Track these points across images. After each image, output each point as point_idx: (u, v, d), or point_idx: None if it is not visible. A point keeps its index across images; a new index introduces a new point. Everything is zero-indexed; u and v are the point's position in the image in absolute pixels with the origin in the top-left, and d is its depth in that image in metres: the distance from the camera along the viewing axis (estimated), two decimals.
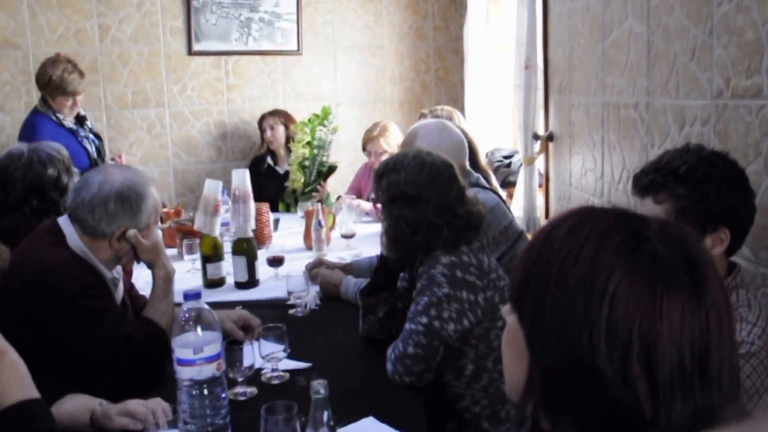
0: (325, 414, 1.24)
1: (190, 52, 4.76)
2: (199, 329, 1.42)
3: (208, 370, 1.39)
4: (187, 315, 1.42)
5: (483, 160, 4.08)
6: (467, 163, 2.55)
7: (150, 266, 1.97)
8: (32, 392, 1.31)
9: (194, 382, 1.38)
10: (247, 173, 2.91)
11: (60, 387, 1.61)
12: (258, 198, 4.30)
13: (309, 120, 4.27)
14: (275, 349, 1.81)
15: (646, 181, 1.46)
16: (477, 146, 2.96)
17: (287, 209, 4.32)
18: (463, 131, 2.85)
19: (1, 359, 1.31)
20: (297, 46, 4.96)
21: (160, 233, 2.02)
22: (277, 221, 3.87)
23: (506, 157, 3.93)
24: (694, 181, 1.40)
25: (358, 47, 5.12)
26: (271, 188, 4.43)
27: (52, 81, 3.62)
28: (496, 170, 3.93)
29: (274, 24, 4.88)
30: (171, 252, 3.29)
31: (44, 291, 1.73)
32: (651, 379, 0.70)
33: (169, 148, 4.82)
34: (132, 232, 1.87)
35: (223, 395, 1.44)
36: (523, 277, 0.80)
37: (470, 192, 2.13)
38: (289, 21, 4.90)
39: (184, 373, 1.39)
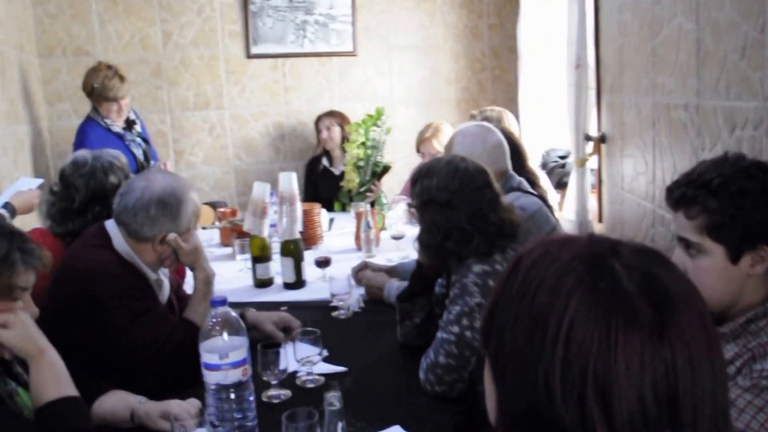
0: (339, 426, 1.26)
1: (248, 55, 4.85)
2: (225, 334, 1.45)
3: (234, 375, 1.42)
4: (214, 320, 1.46)
5: (535, 161, 4.04)
6: (509, 167, 2.52)
7: (191, 269, 2.03)
8: (69, 390, 1.39)
9: (221, 386, 1.42)
10: (294, 176, 2.96)
11: (103, 383, 1.68)
12: (314, 198, 4.38)
13: (363, 121, 4.29)
14: (310, 352, 1.84)
15: (678, 195, 1.37)
16: (524, 148, 2.92)
17: (343, 209, 4.36)
18: (508, 134, 2.83)
19: (41, 358, 1.39)
20: (352, 47, 5.00)
21: (199, 237, 2.08)
22: (331, 221, 3.92)
23: (562, 158, 3.86)
24: (728, 195, 1.30)
25: (413, 47, 5.12)
26: (328, 188, 4.49)
27: (95, 89, 3.75)
28: (551, 171, 3.87)
29: (329, 26, 4.93)
30: (226, 251, 3.39)
31: (88, 291, 1.81)
32: (611, 424, 0.65)
33: (230, 148, 4.93)
34: (172, 236, 1.94)
35: (251, 398, 1.47)
36: (489, 310, 0.76)
37: (508, 198, 2.11)
38: (344, 23, 4.94)
39: (210, 378, 1.43)
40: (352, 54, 5.02)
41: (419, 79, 5.18)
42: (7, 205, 2.61)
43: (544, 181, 3.11)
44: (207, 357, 1.44)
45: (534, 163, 3.76)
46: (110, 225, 1.96)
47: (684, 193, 1.36)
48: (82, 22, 4.49)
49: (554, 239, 0.77)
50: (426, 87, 5.20)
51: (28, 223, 3.11)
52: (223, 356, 1.42)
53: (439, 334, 1.80)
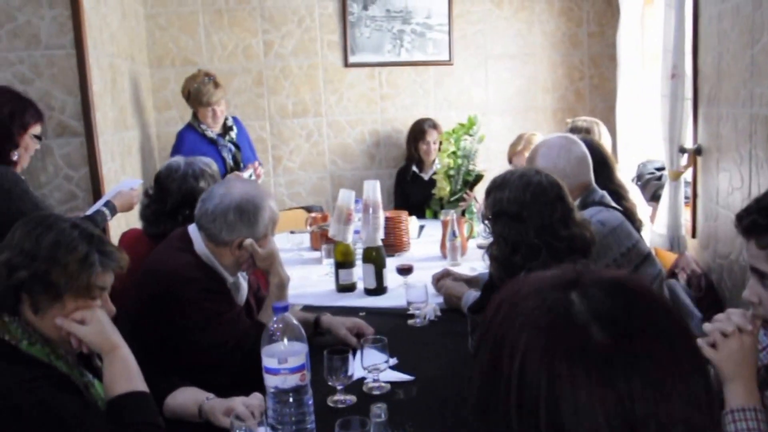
0: None
1: (346, 65, 4.96)
2: (285, 340, 1.50)
3: (292, 380, 1.47)
4: (275, 326, 1.51)
5: (630, 173, 3.91)
6: (592, 180, 2.46)
7: (266, 273, 2.10)
8: (139, 385, 1.47)
9: (279, 390, 1.47)
10: (377, 184, 3.01)
11: (177, 380, 1.77)
12: (405, 205, 4.43)
13: (454, 130, 4.29)
14: (378, 359, 1.86)
15: (748, 222, 1.29)
16: (613, 160, 2.84)
17: (434, 216, 4.38)
18: (596, 146, 2.76)
19: (114, 353, 1.48)
20: (448, 56, 5.01)
21: (275, 242, 2.15)
22: (421, 228, 3.95)
23: (658, 170, 3.72)
24: None
25: (510, 56, 5.08)
26: (418, 195, 4.53)
27: (191, 94, 3.94)
28: (646, 183, 3.73)
29: (426, 35, 4.97)
30: (315, 255, 3.48)
31: (168, 291, 1.92)
32: None
33: (326, 155, 5.06)
34: (248, 241, 2.02)
35: (309, 403, 1.51)
36: (478, 336, 0.76)
37: (587, 212, 2.07)
38: (441, 32, 4.96)
39: (270, 381, 1.49)
40: (448, 63, 5.03)
41: (515, 88, 5.12)
42: (108, 204, 2.80)
43: (635, 194, 3.01)
44: (267, 361, 1.49)
45: (627, 175, 3.65)
46: (192, 229, 2.07)
47: (755, 221, 1.28)
48: (190, 34, 4.74)
49: (527, 278, 0.76)
50: (522, 96, 5.14)
51: (133, 222, 3.32)
52: (281, 361, 1.47)
53: None
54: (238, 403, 1.62)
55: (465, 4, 4.98)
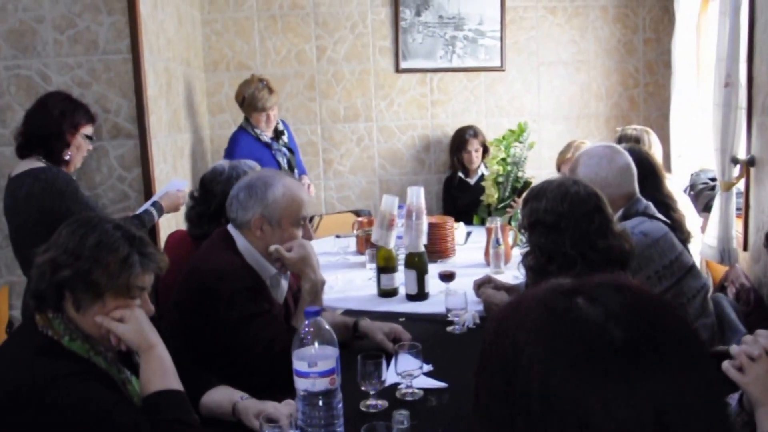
0: None
1: (398, 70, 4.99)
2: (316, 344, 1.52)
3: (322, 384, 1.48)
4: (306, 329, 1.53)
5: (682, 183, 3.81)
6: (636, 190, 2.41)
7: (298, 277, 2.13)
8: (173, 383, 1.51)
9: (309, 393, 1.49)
10: (421, 191, 3.01)
11: (213, 378, 1.82)
12: (452, 211, 4.42)
13: (503, 137, 4.26)
14: (412, 366, 1.86)
15: None
16: (661, 170, 2.78)
17: (482, 223, 4.35)
18: (644, 155, 2.70)
19: (150, 352, 1.53)
20: (500, 63, 4.99)
21: (309, 244, 2.15)
22: (468, 234, 3.93)
23: (712, 180, 3.62)
24: None
25: (563, 62, 5.02)
26: (466, 200, 4.52)
27: (246, 99, 4.01)
28: (699, 193, 3.64)
29: (478, 41, 4.95)
30: (360, 259, 3.50)
31: (209, 289, 1.96)
32: None
33: (376, 159, 5.09)
34: (273, 247, 2.04)
35: (339, 406, 1.52)
36: (474, 374, 0.75)
37: (630, 223, 2.03)
38: (493, 38, 4.94)
39: (299, 384, 1.51)
40: (499, 69, 5.01)
41: (568, 95, 5.06)
42: (155, 204, 2.88)
43: (684, 205, 2.94)
44: (297, 364, 1.51)
45: (679, 185, 3.57)
46: (231, 227, 2.11)
47: None
48: (245, 39, 4.84)
49: (522, 296, 0.75)
50: (574, 103, 5.07)
51: (182, 223, 3.40)
52: (311, 364, 1.48)
53: None
54: (270, 405, 1.65)
55: (518, 10, 4.95)
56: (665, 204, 2.59)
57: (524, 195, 1.97)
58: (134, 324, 1.52)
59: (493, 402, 0.69)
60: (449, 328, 2.45)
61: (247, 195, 2.08)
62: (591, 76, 5.03)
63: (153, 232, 3.29)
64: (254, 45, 4.85)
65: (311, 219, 4.37)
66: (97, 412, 1.40)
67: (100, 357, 1.53)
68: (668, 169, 4.17)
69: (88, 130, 2.75)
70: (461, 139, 4.67)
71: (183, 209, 2.82)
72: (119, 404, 1.46)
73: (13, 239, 2.70)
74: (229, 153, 3.92)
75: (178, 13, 4.14)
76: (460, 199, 4.61)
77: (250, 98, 4.00)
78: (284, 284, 2.19)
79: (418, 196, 2.97)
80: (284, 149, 4.18)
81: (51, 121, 2.62)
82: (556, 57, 5.02)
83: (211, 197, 2.52)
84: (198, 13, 4.70)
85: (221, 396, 1.75)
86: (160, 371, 1.52)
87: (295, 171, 4.19)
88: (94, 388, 1.44)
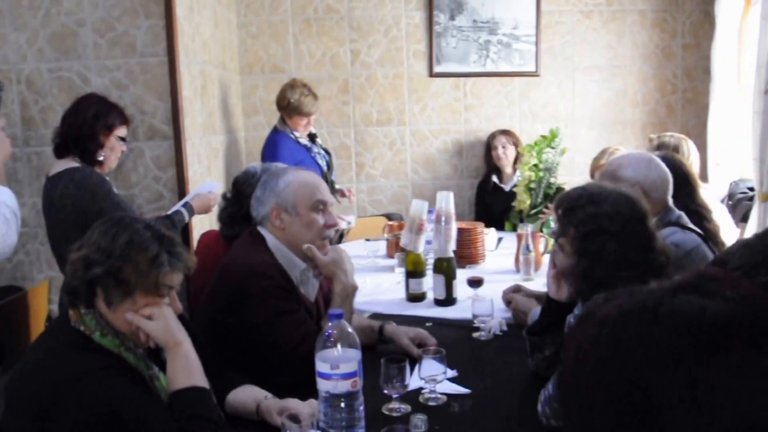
0: None
1: (431, 74, 4.99)
2: (339, 346, 1.53)
3: (343, 386, 1.49)
4: (329, 332, 1.54)
5: (720, 192, 3.74)
6: (669, 200, 2.37)
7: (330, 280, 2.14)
8: (199, 381, 1.54)
9: (331, 395, 1.50)
10: (451, 195, 3.00)
11: (239, 377, 1.84)
12: (485, 216, 4.41)
13: (536, 142, 4.24)
14: (435, 371, 1.86)
15: None
16: (696, 179, 2.73)
17: (514, 229, 4.32)
18: (678, 163, 2.66)
19: (177, 349, 1.56)
20: (535, 67, 4.96)
21: (344, 250, 2.16)
22: (500, 240, 3.91)
23: (750, 189, 3.55)
24: None
25: (598, 68, 4.97)
26: (499, 206, 4.50)
27: (291, 104, 4.05)
28: (737, 203, 3.57)
29: (512, 46, 4.93)
30: (390, 263, 3.51)
31: (240, 287, 1.99)
32: None
33: (408, 163, 5.09)
34: (305, 246, 2.06)
35: (360, 409, 1.53)
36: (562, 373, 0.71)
37: (662, 233, 1.99)
38: (528, 43, 4.91)
39: (322, 385, 1.52)
40: (534, 74, 4.98)
41: (603, 101, 5.01)
42: (186, 205, 2.93)
43: (720, 215, 2.88)
44: (320, 366, 1.52)
45: (717, 194, 3.50)
46: (261, 227, 2.14)
47: None
48: (280, 42, 4.89)
49: (604, 309, 0.69)
50: (610, 109, 5.02)
51: (215, 224, 3.45)
52: (334, 366, 1.49)
53: (560, 367, 1.74)
54: (292, 404, 1.67)
55: (553, 15, 4.92)
56: (699, 214, 2.54)
57: (562, 202, 1.88)
58: (162, 321, 1.56)
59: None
60: (475, 335, 2.44)
61: (262, 190, 2.13)
62: (627, 82, 4.97)
63: (185, 232, 3.35)
64: (289, 48, 4.90)
65: None
66: (124, 406, 1.44)
67: (129, 353, 1.57)
68: (705, 178, 4.10)
69: (121, 131, 2.80)
70: (490, 137, 4.69)
71: (215, 210, 2.86)
72: (146, 399, 1.49)
73: (50, 237, 2.77)
74: (271, 155, 3.95)
75: (215, 16, 4.20)
76: (494, 204, 4.59)
77: (297, 103, 4.06)
78: (315, 281, 2.20)
79: (447, 201, 2.96)
80: (323, 152, 4.22)
81: (85, 123, 2.68)
82: (591, 62, 4.97)
83: (243, 198, 2.55)
84: (234, 17, 4.76)
85: (246, 395, 1.77)
86: (186, 368, 1.55)
87: (333, 173, 4.21)
88: (123, 383, 1.47)
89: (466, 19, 4.90)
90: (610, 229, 1.74)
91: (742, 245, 0.73)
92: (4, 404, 1.52)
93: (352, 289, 2.11)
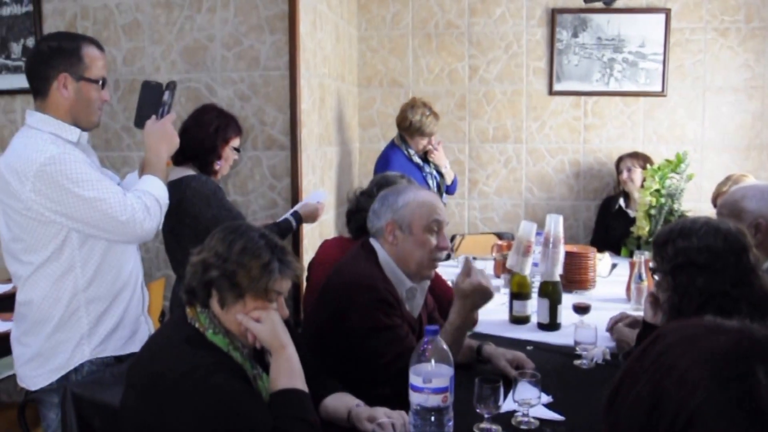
0: None
1: (551, 92, 4.90)
2: (433, 361, 1.56)
3: (434, 400, 1.52)
4: (425, 347, 1.57)
5: None
6: None
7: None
8: (299, 384, 1.63)
9: (422, 408, 1.53)
10: (560, 219, 2.94)
11: (336, 384, 1.90)
12: (603, 240, 4.26)
13: (659, 167, 4.05)
14: (530, 395, 1.83)
15: None
16: None
17: (630, 255, 4.16)
18: None
19: (281, 352, 1.65)
20: (661, 87, 4.76)
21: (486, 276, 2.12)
22: (614, 266, 3.78)
23: None
24: None
25: (732, 88, 4.70)
26: (619, 230, 4.33)
27: (412, 124, 4.07)
28: None
29: (638, 65, 4.75)
30: (496, 282, 3.46)
31: (343, 295, 2.04)
32: None
33: (523, 182, 5.02)
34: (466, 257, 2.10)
35: (449, 424, 1.55)
36: (616, 383, 0.72)
37: None
38: (655, 61, 4.72)
39: (414, 398, 1.55)
40: (660, 94, 4.78)
41: (736, 124, 4.73)
42: (295, 214, 3.03)
43: None
44: (413, 378, 1.56)
45: None
46: (373, 239, 2.19)
47: None
48: (399, 57, 4.96)
49: (702, 324, 0.71)
50: (744, 132, 4.73)
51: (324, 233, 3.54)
52: (426, 381, 1.52)
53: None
54: (381, 413, 1.70)
55: (684, 32, 4.70)
56: None
57: (658, 236, 1.86)
58: (269, 324, 1.64)
59: (636, 424, 0.68)
60: (576, 362, 2.38)
61: (380, 204, 2.17)
62: (765, 104, 4.67)
63: (296, 239, 3.46)
64: (408, 62, 4.96)
65: (452, 238, 4.38)
66: (228, 401, 1.52)
67: (237, 352, 1.66)
68: None
69: (236, 142, 2.94)
70: (618, 160, 4.51)
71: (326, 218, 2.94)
72: (249, 396, 1.57)
73: (165, 239, 2.94)
74: (382, 171, 4.01)
75: (336, 31, 4.32)
76: (615, 228, 4.40)
77: (419, 124, 4.07)
78: (420, 298, 2.22)
79: (556, 224, 2.90)
80: (435, 172, 4.22)
81: (206, 137, 2.84)
82: (725, 82, 4.71)
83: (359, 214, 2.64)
84: (355, 31, 4.88)
85: (339, 402, 1.82)
86: (288, 371, 1.62)
87: (444, 196, 4.21)
88: (229, 379, 1.56)
89: (590, 36, 4.78)
90: (698, 262, 1.71)
91: None
92: (124, 388, 1.66)
93: (468, 324, 2.14)
